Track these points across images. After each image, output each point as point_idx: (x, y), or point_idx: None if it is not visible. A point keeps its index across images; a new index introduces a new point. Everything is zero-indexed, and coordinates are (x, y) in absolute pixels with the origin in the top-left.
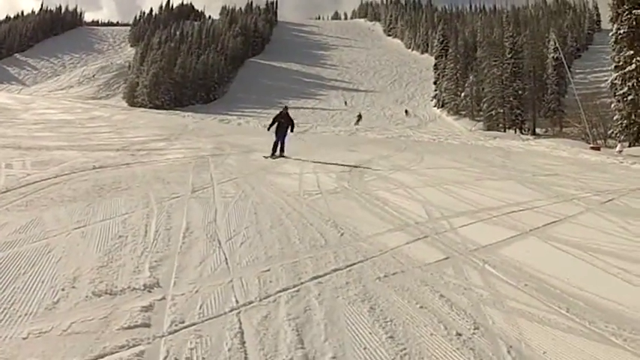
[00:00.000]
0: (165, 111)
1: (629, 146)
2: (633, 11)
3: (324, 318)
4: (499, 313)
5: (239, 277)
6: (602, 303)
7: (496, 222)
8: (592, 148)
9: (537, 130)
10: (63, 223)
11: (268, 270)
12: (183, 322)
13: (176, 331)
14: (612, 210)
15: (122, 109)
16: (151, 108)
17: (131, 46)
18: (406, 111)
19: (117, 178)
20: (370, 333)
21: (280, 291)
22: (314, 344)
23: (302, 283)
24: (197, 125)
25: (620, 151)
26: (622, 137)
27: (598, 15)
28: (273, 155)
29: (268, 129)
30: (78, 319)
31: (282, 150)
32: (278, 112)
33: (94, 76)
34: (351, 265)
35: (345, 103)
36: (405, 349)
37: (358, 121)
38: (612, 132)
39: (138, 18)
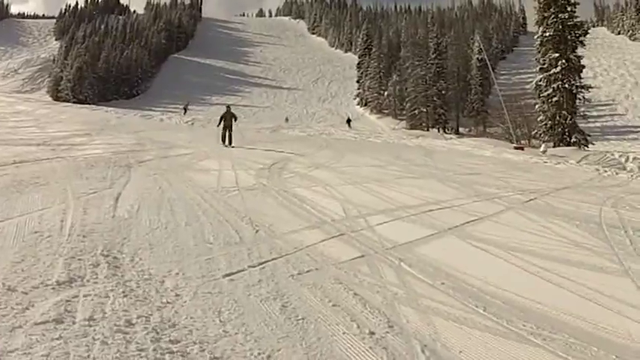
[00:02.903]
0: (88, 106)
1: (554, 146)
2: (559, 15)
3: (235, 316)
4: (414, 311)
5: None
6: (520, 302)
7: (414, 220)
8: (516, 147)
9: (461, 130)
10: None
11: (180, 267)
12: (94, 320)
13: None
14: (534, 209)
15: (46, 103)
16: (74, 102)
17: (56, 39)
18: (349, 121)
19: (36, 173)
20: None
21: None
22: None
23: (215, 280)
24: (119, 121)
25: (545, 151)
26: (546, 138)
27: (524, 18)
28: None
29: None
30: None
31: None
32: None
33: (16, 70)
34: (264, 263)
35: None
36: (316, 347)
37: (226, 132)
38: (536, 132)
39: (63, 11)
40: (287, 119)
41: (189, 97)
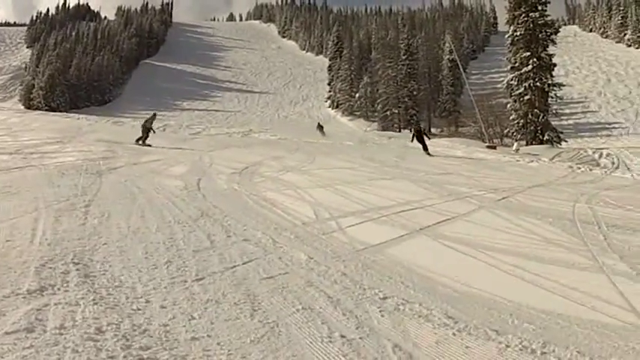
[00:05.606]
0: (60, 113)
1: (527, 145)
2: (530, 14)
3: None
4: (385, 312)
5: None
6: (492, 299)
7: (386, 221)
8: (488, 147)
9: (433, 130)
10: None
11: (153, 273)
12: (65, 328)
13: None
14: (506, 207)
15: (18, 111)
16: (47, 110)
17: (27, 47)
18: (320, 127)
19: (7, 182)
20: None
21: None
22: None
23: (185, 284)
24: (91, 128)
25: (517, 150)
26: (519, 136)
27: (495, 18)
28: None
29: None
30: None
31: None
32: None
33: None
34: (235, 267)
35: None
36: (287, 350)
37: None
38: (509, 131)
39: (34, 18)
40: (320, 126)
41: (162, 102)
